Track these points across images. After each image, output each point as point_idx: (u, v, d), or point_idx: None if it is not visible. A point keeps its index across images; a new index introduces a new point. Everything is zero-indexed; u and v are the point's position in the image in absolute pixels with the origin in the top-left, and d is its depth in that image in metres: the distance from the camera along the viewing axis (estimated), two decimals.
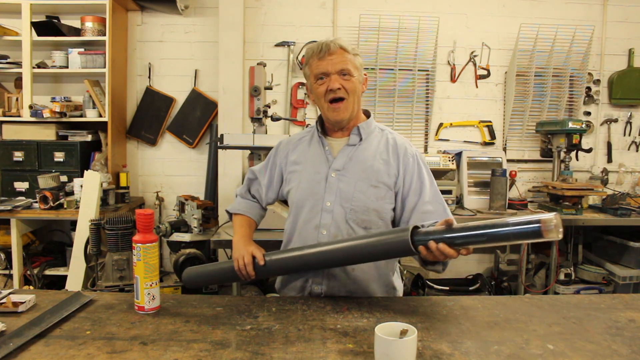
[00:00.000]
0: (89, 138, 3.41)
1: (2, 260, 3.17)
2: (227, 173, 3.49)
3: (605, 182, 3.75)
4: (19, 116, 3.33)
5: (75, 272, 2.80)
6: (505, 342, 1.13)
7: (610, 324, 1.25)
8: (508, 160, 3.75)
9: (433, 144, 3.85)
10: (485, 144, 3.86)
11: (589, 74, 3.86)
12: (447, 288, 3.30)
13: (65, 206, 3.07)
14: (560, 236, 1.04)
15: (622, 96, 3.83)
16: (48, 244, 3.40)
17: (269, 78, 3.21)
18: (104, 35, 3.32)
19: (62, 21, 3.44)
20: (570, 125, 3.38)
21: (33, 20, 3.27)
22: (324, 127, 1.61)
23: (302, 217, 1.53)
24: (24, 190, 3.28)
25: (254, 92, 2.81)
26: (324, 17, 3.73)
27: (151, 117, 3.70)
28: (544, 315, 1.31)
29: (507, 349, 1.09)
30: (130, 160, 3.74)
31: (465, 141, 3.86)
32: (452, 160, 3.51)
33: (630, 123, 3.91)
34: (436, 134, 3.84)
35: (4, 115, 3.35)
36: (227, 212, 1.76)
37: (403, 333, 0.99)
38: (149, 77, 3.70)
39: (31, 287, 3.08)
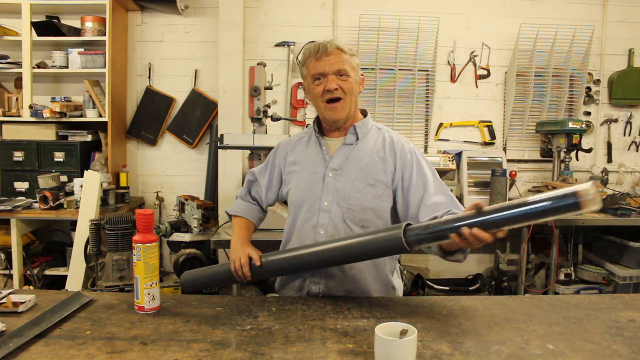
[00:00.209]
0: (89, 138, 3.41)
1: (2, 260, 3.17)
2: (227, 173, 3.49)
3: (605, 182, 3.74)
4: (19, 116, 3.33)
5: (75, 272, 2.80)
6: (505, 342, 1.13)
7: (610, 324, 1.25)
8: (508, 160, 3.75)
9: (433, 144, 3.85)
10: (485, 144, 3.86)
11: (589, 74, 3.86)
12: (447, 288, 3.31)
13: (65, 206, 3.07)
14: (600, 205, 0.99)
15: (622, 96, 3.83)
16: (48, 244, 3.40)
17: (269, 78, 3.21)
18: (104, 35, 3.32)
19: (62, 21, 3.44)
20: (570, 125, 3.38)
21: (33, 20, 3.27)
22: (322, 128, 1.62)
23: (301, 217, 1.54)
24: (24, 190, 3.28)
25: (254, 92, 2.81)
26: (324, 17, 3.73)
27: (151, 117, 3.70)
28: (544, 315, 1.31)
29: (507, 349, 1.09)
30: (130, 160, 3.74)
31: (465, 141, 3.86)
32: (452, 160, 3.51)
33: (630, 123, 3.91)
34: (436, 134, 3.84)
35: (4, 115, 3.35)
36: (227, 213, 1.77)
37: (403, 333, 0.99)
38: (149, 77, 3.70)
39: (31, 287, 3.08)
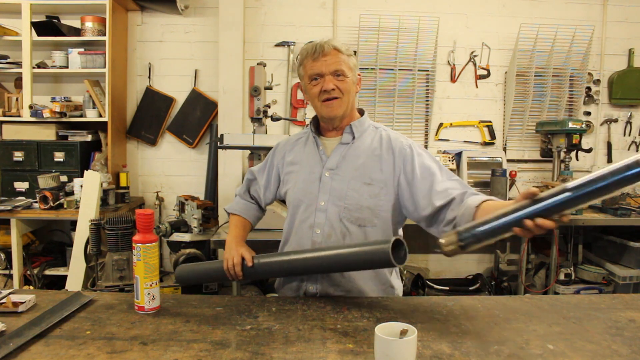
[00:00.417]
0: (89, 138, 3.41)
1: (2, 260, 3.17)
2: (227, 173, 3.49)
3: None
4: (19, 116, 3.34)
5: (75, 272, 2.80)
6: (505, 342, 1.12)
7: (610, 324, 1.25)
8: (508, 160, 3.75)
9: (433, 144, 3.85)
10: (485, 144, 3.86)
11: (589, 74, 3.86)
12: (447, 288, 3.31)
13: (65, 206, 3.07)
14: None
15: (622, 96, 3.83)
16: (48, 244, 3.40)
17: (269, 78, 3.21)
18: (104, 35, 3.32)
19: (62, 21, 3.44)
20: (570, 125, 3.38)
21: (33, 20, 3.27)
22: (319, 128, 1.62)
23: (298, 217, 1.55)
24: (24, 190, 3.28)
25: (254, 92, 2.81)
26: (324, 17, 3.73)
27: (151, 117, 3.70)
28: (544, 315, 1.31)
29: (507, 349, 1.09)
30: (130, 160, 3.74)
31: (465, 141, 3.86)
32: (452, 160, 3.51)
33: (630, 123, 3.91)
34: (436, 134, 3.84)
35: (4, 115, 3.35)
36: (225, 210, 1.79)
37: (403, 333, 0.99)
38: (149, 77, 3.70)
39: (31, 287, 3.08)
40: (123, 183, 3.45)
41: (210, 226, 2.87)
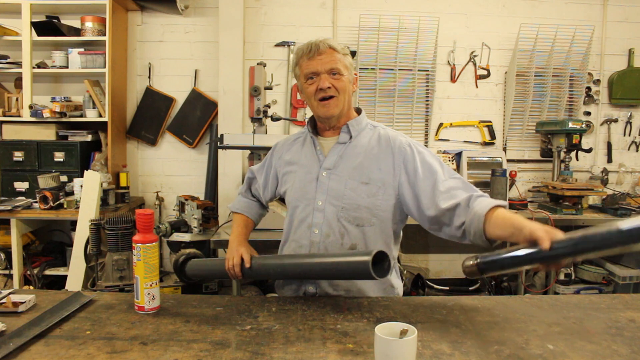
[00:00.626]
0: (89, 138, 3.41)
1: (2, 260, 3.17)
2: (227, 173, 3.49)
3: (605, 182, 3.75)
4: (19, 116, 3.33)
5: (75, 272, 2.80)
6: (505, 342, 1.12)
7: (610, 324, 1.25)
8: (508, 160, 3.75)
9: (433, 144, 3.85)
10: (485, 144, 3.86)
11: (589, 74, 3.86)
12: (447, 288, 3.31)
13: (65, 206, 3.07)
14: None
15: (622, 96, 3.83)
16: (48, 244, 3.40)
17: (269, 78, 3.21)
18: (104, 35, 3.32)
19: (62, 21, 3.43)
20: (570, 125, 3.38)
21: (33, 20, 3.27)
22: (316, 128, 1.62)
23: (297, 217, 1.55)
24: (24, 190, 3.28)
25: (254, 92, 2.81)
26: (324, 17, 3.73)
27: (151, 117, 3.70)
28: (544, 315, 1.31)
29: (507, 349, 1.09)
30: (130, 160, 3.74)
31: (465, 141, 3.86)
32: (452, 160, 3.51)
33: (630, 123, 3.91)
34: (436, 134, 3.84)
35: (4, 115, 3.35)
36: (229, 209, 1.82)
37: (403, 333, 0.99)
38: (149, 77, 3.70)
39: (31, 287, 3.08)
40: (123, 183, 3.45)
41: (210, 226, 2.87)
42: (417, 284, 3.38)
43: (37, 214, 3.07)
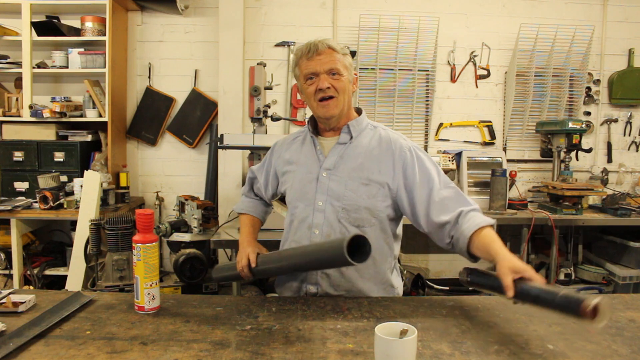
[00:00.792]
0: (89, 138, 3.41)
1: (2, 260, 3.17)
2: (227, 173, 3.49)
3: (605, 182, 3.75)
4: (19, 116, 3.34)
5: (75, 272, 2.80)
6: (505, 342, 1.12)
7: (610, 324, 1.25)
8: (508, 160, 3.75)
9: (433, 144, 3.85)
10: (485, 144, 3.86)
11: (589, 74, 3.86)
12: (447, 288, 3.31)
13: (65, 206, 3.07)
14: (602, 324, 0.98)
15: (622, 96, 3.83)
16: (48, 244, 3.40)
17: (269, 78, 3.21)
18: (104, 35, 3.32)
19: (62, 21, 3.43)
20: (570, 125, 3.38)
21: (33, 20, 3.27)
22: (317, 127, 1.62)
23: (297, 217, 1.55)
24: (24, 190, 3.28)
25: (254, 92, 2.81)
26: (324, 17, 3.73)
27: (151, 117, 3.70)
28: (544, 315, 1.31)
29: (507, 349, 1.09)
30: (130, 160, 3.74)
31: (465, 141, 3.86)
32: (452, 160, 3.51)
33: (630, 123, 3.92)
34: (436, 134, 3.84)
35: (4, 115, 3.35)
36: (234, 211, 1.84)
37: (403, 333, 0.99)
38: (149, 77, 3.70)
39: (31, 287, 3.08)
40: (123, 183, 3.45)
41: (210, 226, 2.87)
42: (417, 284, 3.38)
43: (37, 214, 3.07)
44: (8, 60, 3.36)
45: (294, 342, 1.12)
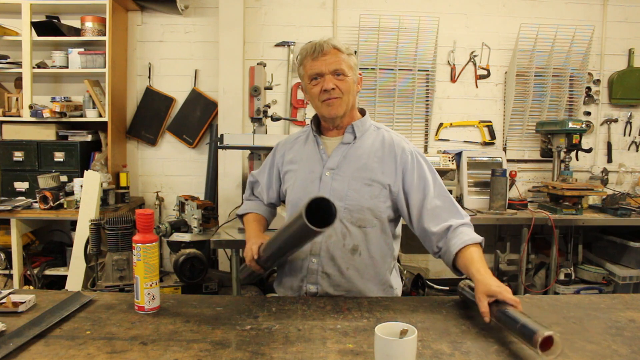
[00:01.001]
0: (89, 138, 3.41)
1: (2, 260, 3.17)
2: (227, 173, 3.49)
3: (605, 182, 3.75)
4: (19, 116, 3.34)
5: (75, 272, 2.80)
6: (505, 342, 1.12)
7: (610, 324, 1.25)
8: (508, 160, 3.76)
9: (433, 144, 3.85)
10: (485, 144, 3.86)
11: (589, 74, 3.86)
12: (447, 288, 3.31)
13: (65, 206, 3.07)
14: (554, 356, 0.99)
15: (622, 96, 3.83)
16: (48, 244, 3.40)
17: (269, 78, 3.21)
18: (104, 35, 3.32)
19: (62, 21, 3.44)
20: (570, 125, 3.38)
21: (33, 20, 3.27)
22: (320, 127, 1.61)
23: None
24: (24, 190, 3.28)
25: (254, 92, 2.81)
26: (324, 17, 3.73)
27: (151, 117, 3.70)
28: (544, 315, 1.31)
29: (507, 349, 1.09)
30: (130, 160, 3.74)
31: (465, 141, 3.86)
32: (452, 160, 3.51)
33: (630, 123, 3.92)
34: (436, 134, 3.84)
35: (4, 115, 3.35)
36: (238, 216, 1.82)
37: (403, 333, 0.99)
38: (149, 77, 3.70)
39: (31, 287, 3.08)
40: (123, 183, 3.45)
41: (210, 226, 2.87)
42: (417, 284, 3.38)
43: (37, 214, 3.07)
44: (8, 60, 3.36)
45: (294, 342, 1.12)
